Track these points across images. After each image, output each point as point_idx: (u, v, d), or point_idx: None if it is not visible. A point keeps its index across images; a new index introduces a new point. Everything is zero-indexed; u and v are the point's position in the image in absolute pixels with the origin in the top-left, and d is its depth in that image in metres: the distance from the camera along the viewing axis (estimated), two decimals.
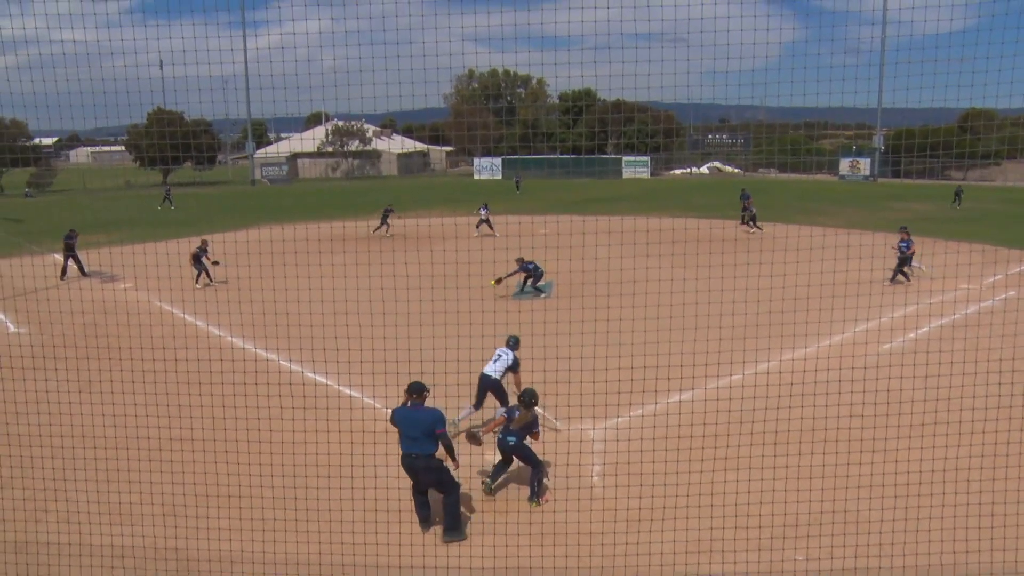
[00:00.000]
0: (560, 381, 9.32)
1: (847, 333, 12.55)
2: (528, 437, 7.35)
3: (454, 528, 6.71)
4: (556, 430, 8.65)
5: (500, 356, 8.89)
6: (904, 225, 19.56)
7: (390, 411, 6.98)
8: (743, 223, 27.83)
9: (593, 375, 9.54)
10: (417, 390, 6.73)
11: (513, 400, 8.26)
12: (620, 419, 9.18)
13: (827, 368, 9.36)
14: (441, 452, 6.68)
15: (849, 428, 8.41)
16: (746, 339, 9.99)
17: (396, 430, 6.76)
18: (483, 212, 26.20)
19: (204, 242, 18.34)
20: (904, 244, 17.35)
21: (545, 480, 7.60)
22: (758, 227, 26.37)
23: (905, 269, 17.16)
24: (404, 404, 6.82)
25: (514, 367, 8.84)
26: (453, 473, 6.78)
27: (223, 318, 12.41)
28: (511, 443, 7.33)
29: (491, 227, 25.68)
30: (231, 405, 8.61)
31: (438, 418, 6.63)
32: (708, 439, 7.80)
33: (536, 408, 7.76)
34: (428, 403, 6.86)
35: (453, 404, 7.81)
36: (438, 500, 6.90)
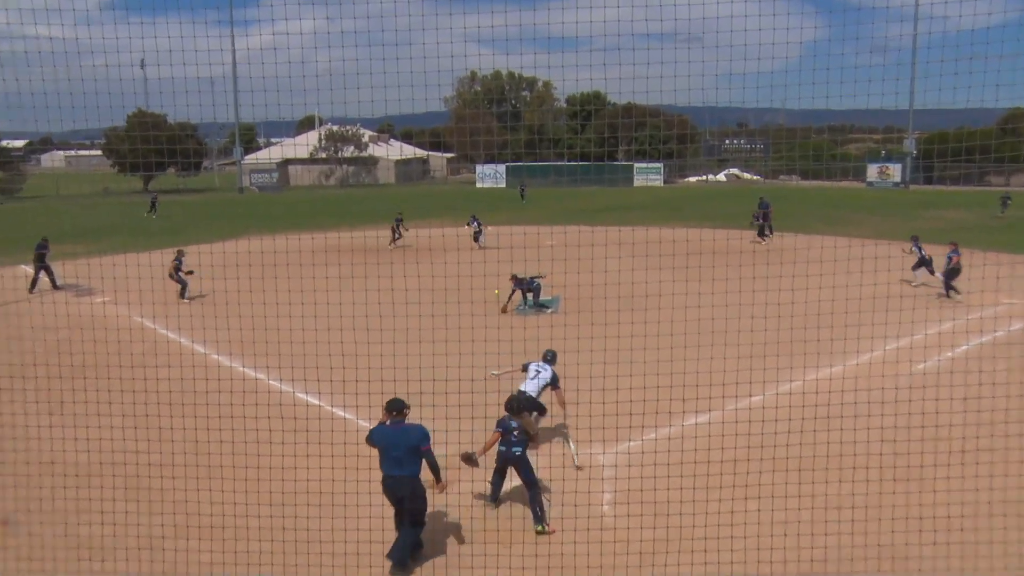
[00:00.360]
0: (568, 402, 9.29)
1: (877, 351, 12.46)
2: (529, 441, 7.51)
3: (403, 563, 6.62)
4: (577, 468, 8.62)
5: (539, 372, 9.03)
6: (915, 235, 19.57)
7: (367, 431, 6.89)
8: (764, 233, 27.89)
9: (603, 395, 9.48)
10: (397, 407, 6.68)
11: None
12: (632, 443, 9.12)
13: (855, 389, 9.28)
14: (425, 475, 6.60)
15: (881, 454, 8.33)
16: (767, 357, 9.94)
17: (376, 452, 6.66)
18: (474, 224, 26.38)
19: (180, 252, 18.37)
20: (951, 254, 17.27)
21: (546, 504, 7.57)
22: (768, 236, 26.58)
23: (953, 283, 17.06)
24: (382, 423, 6.74)
25: (554, 383, 8.98)
26: (431, 498, 6.72)
27: (208, 334, 12.41)
28: (517, 453, 7.43)
29: (477, 240, 25.88)
30: (215, 428, 8.57)
31: (423, 435, 6.57)
32: (727, 465, 7.74)
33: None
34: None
35: (454, 426, 7.77)
36: (430, 536, 6.82)
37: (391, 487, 6.59)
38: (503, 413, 7.85)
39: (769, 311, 11.43)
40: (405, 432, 6.57)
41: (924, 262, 18.58)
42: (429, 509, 6.91)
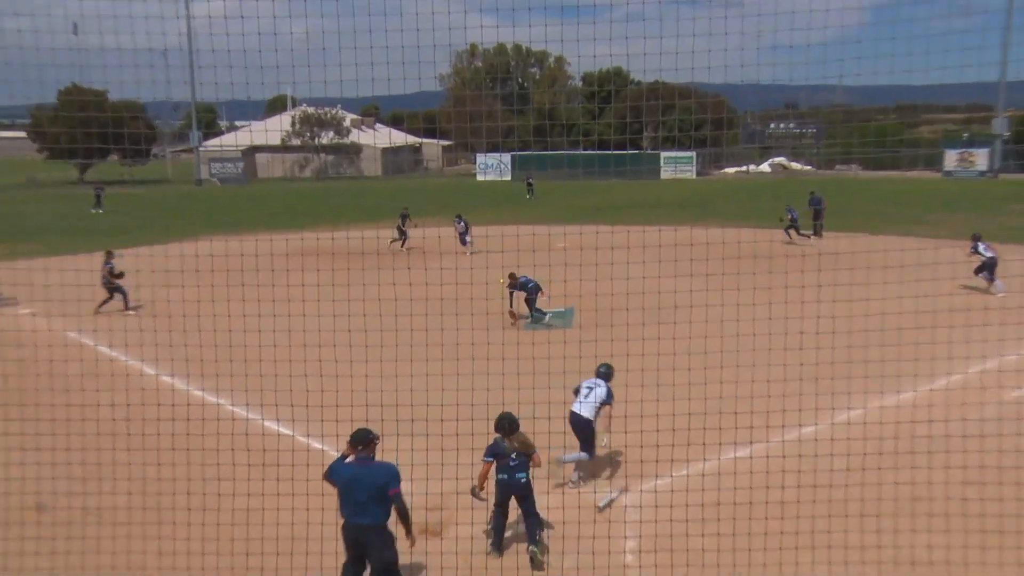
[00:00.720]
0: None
1: (958, 374, 12.37)
2: (531, 463, 7.67)
3: None
4: (598, 509, 8.67)
5: (592, 389, 9.27)
6: (977, 233, 19.55)
7: (326, 466, 6.80)
8: (815, 234, 27.90)
9: (625, 424, 9.48)
10: (363, 440, 6.59)
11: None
12: (660, 481, 9.12)
13: (930, 420, 9.24)
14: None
15: (964, 499, 8.23)
16: (820, 380, 9.92)
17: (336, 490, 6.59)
18: (460, 224, 26.72)
19: (109, 254, 18.40)
20: None
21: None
22: (796, 234, 26.94)
23: None
24: (343, 457, 6.65)
25: (608, 399, 9.22)
26: (402, 551, 6.63)
27: (159, 352, 12.46)
28: (523, 480, 7.58)
29: (464, 243, 26.22)
30: (167, 463, 8.61)
31: (392, 475, 6.46)
32: (773, 507, 7.71)
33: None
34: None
35: (451, 459, 7.78)
36: None
37: (352, 537, 6.49)
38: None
39: (822, 325, 11.40)
40: (371, 472, 6.46)
41: (987, 265, 18.56)
42: (406, 558, 6.84)
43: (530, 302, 17.04)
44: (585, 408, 9.19)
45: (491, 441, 7.85)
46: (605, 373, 9.48)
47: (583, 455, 9.24)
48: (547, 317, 17.03)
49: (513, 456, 7.57)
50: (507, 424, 7.68)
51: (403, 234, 27.21)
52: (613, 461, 9.71)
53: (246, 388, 10.72)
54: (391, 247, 26.71)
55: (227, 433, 9.25)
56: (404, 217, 27.68)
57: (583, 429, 9.16)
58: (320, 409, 8.47)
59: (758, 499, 7.89)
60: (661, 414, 8.62)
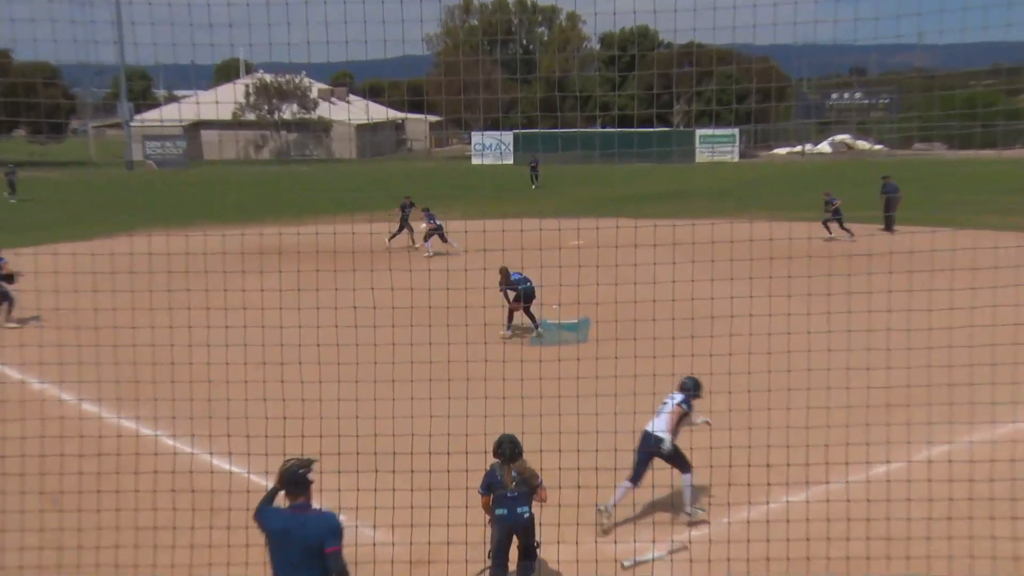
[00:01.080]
0: (602, 468, 9.28)
1: None
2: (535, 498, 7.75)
3: None
4: (623, 566, 8.67)
5: (665, 404, 9.45)
6: None
7: (255, 509, 6.56)
8: (887, 228, 27.91)
9: (653, 461, 9.47)
10: (297, 484, 6.22)
11: None
12: (696, 532, 9.12)
13: None
14: None
15: None
16: (893, 408, 9.91)
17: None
18: (429, 221, 27.00)
19: None
20: None
21: None
22: (826, 227, 27.05)
23: None
24: (275, 491, 6.43)
25: (682, 403, 9.43)
26: None
27: (84, 372, 12.45)
28: (526, 515, 7.66)
29: (446, 239, 26.53)
30: (89, 508, 8.60)
31: (330, 530, 6.17)
32: (837, 565, 7.72)
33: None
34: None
35: (440, 501, 7.80)
36: None
37: None
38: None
39: (895, 340, 11.42)
40: (306, 523, 6.18)
41: None
42: None
43: (523, 302, 17.25)
44: (660, 424, 9.33)
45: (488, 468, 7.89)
46: (690, 388, 9.61)
47: (687, 477, 9.40)
48: (535, 330, 17.34)
49: (512, 487, 7.59)
50: (508, 449, 7.70)
51: (405, 226, 27.57)
52: (639, 505, 9.70)
53: (191, 416, 10.74)
54: (417, 245, 27.12)
55: (166, 471, 9.28)
56: (406, 207, 27.75)
57: (656, 451, 9.28)
58: (281, 441, 8.47)
59: (817, 554, 7.89)
60: (697, 447, 8.64)
